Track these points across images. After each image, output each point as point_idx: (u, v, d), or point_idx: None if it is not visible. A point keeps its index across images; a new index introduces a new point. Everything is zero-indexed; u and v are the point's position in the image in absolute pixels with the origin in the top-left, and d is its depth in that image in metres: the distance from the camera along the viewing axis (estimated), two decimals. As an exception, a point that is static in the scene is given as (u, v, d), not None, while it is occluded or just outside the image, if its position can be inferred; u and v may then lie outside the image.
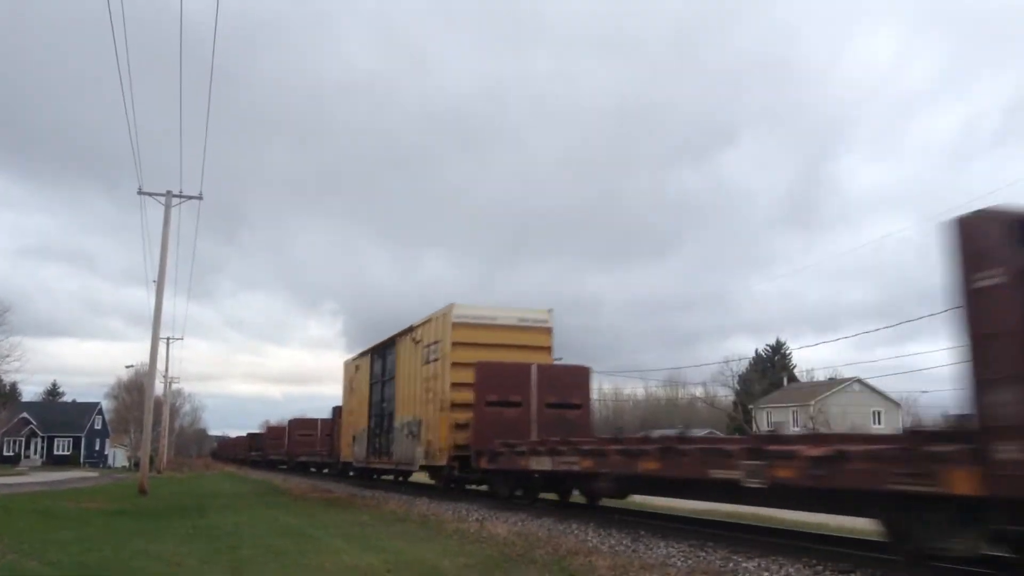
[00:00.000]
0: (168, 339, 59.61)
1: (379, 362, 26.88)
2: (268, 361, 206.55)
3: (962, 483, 6.69)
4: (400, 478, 29.05)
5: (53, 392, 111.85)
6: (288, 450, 52.17)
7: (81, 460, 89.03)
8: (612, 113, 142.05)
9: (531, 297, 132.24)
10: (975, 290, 6.59)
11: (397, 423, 23.59)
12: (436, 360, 20.09)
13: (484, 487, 19.47)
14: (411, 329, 22.66)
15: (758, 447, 9.55)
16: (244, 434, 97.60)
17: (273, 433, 63.64)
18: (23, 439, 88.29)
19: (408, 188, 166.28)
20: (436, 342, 20.25)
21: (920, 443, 7.30)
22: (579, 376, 19.40)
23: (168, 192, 28.96)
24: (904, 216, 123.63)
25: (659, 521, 13.74)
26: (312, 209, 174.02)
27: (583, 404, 18.90)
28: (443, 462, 19.35)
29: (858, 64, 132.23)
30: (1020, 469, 6.13)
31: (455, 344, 19.38)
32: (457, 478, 19.60)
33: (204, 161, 46.24)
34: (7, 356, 65.28)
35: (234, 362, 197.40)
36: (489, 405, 17.89)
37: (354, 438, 29.72)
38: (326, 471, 42.76)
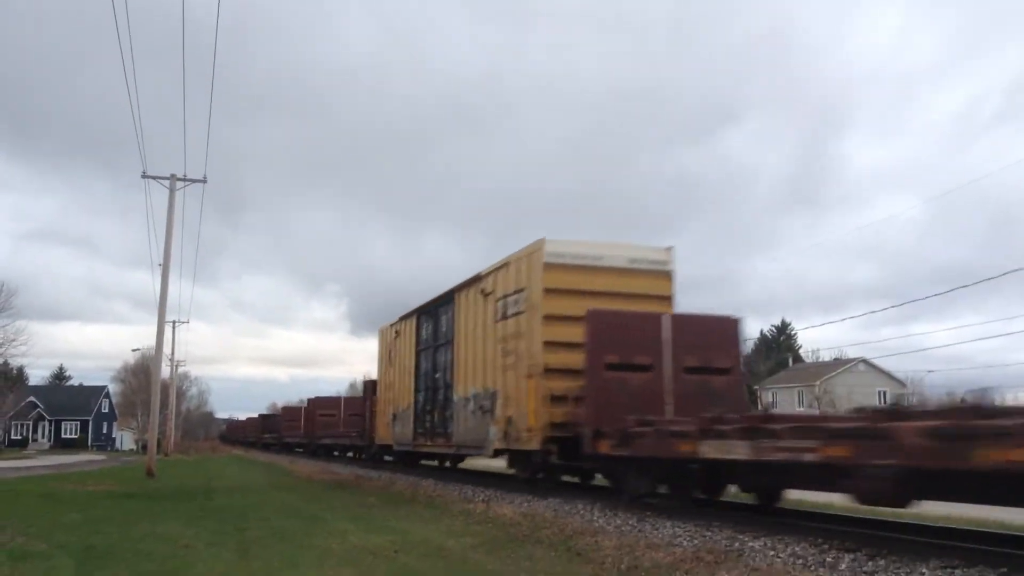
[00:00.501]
0: (174, 322, 59.81)
1: (428, 324, 22.14)
2: (273, 344, 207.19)
3: None
4: (447, 463, 25.38)
5: (60, 376, 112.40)
6: (308, 432, 48.26)
7: (89, 443, 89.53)
8: (612, 93, 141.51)
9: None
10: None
11: (458, 396, 19.01)
12: (519, 314, 15.59)
13: (590, 481, 16.68)
14: (478, 279, 18.05)
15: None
16: (255, 415, 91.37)
17: (289, 414, 59.06)
18: (30, 423, 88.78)
19: (408, 170, 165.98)
20: (518, 291, 15.76)
21: None
22: (726, 331, 14.58)
23: (172, 176, 28.93)
24: (908, 195, 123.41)
25: (665, 501, 13.74)
26: (313, 191, 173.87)
27: (732, 368, 14.39)
28: (533, 446, 14.64)
29: (860, 43, 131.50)
30: None
31: (548, 292, 14.82)
32: (553, 466, 15.15)
33: (208, 144, 46.18)
34: (13, 340, 65.51)
35: (239, 345, 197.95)
36: (610, 369, 13.49)
37: (395, 417, 24.95)
38: (352, 455, 38.94)
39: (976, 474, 6.92)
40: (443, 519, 12.54)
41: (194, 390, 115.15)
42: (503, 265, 16.73)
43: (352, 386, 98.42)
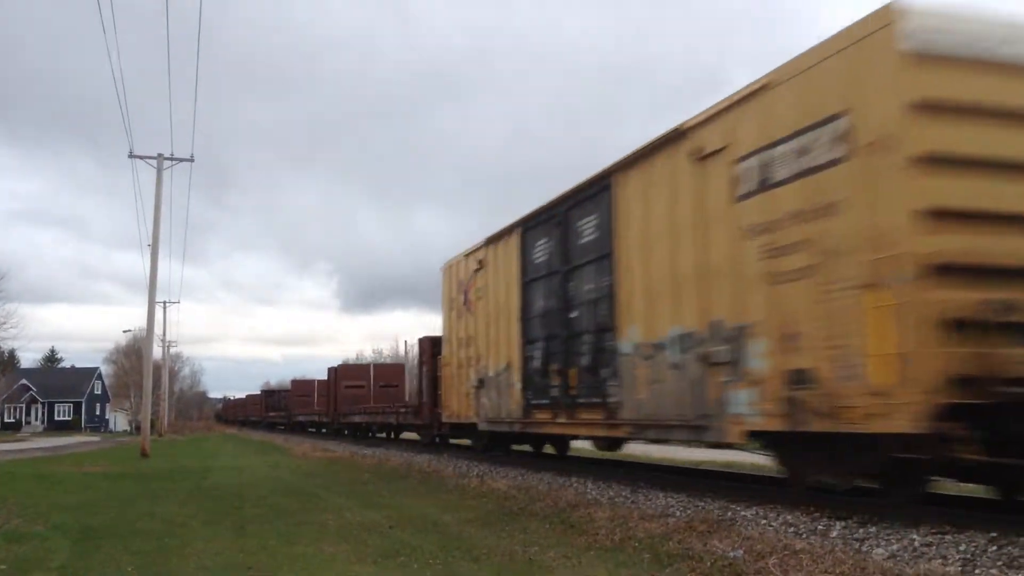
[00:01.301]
0: (165, 303, 59.69)
1: (546, 240, 14.66)
2: (265, 323, 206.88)
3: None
4: (558, 444, 18.96)
5: (52, 358, 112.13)
6: (329, 408, 39.34)
7: (82, 425, 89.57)
8: (600, 62, 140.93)
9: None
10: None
11: (630, 344, 11.66)
12: (823, 168, 8.11)
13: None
14: (677, 136, 10.65)
15: None
16: (255, 392, 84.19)
17: (301, 388, 51.19)
18: (23, 405, 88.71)
19: (396, 143, 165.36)
20: (820, 123, 8.19)
21: None
22: None
23: (159, 155, 28.80)
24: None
25: (658, 473, 13.85)
26: (300, 168, 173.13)
27: None
28: (901, 423, 7.16)
29: (848, 7, 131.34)
30: None
31: (922, 110, 7.39)
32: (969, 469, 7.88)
33: (195, 123, 46.07)
34: (3, 323, 65.26)
35: (231, 324, 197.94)
36: None
37: (481, 383, 17.44)
38: (385, 435, 32.83)
39: None
40: (438, 494, 12.61)
41: (187, 370, 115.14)
42: (755, 92, 9.15)
43: (347, 361, 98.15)
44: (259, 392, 76.37)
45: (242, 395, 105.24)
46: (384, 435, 32.79)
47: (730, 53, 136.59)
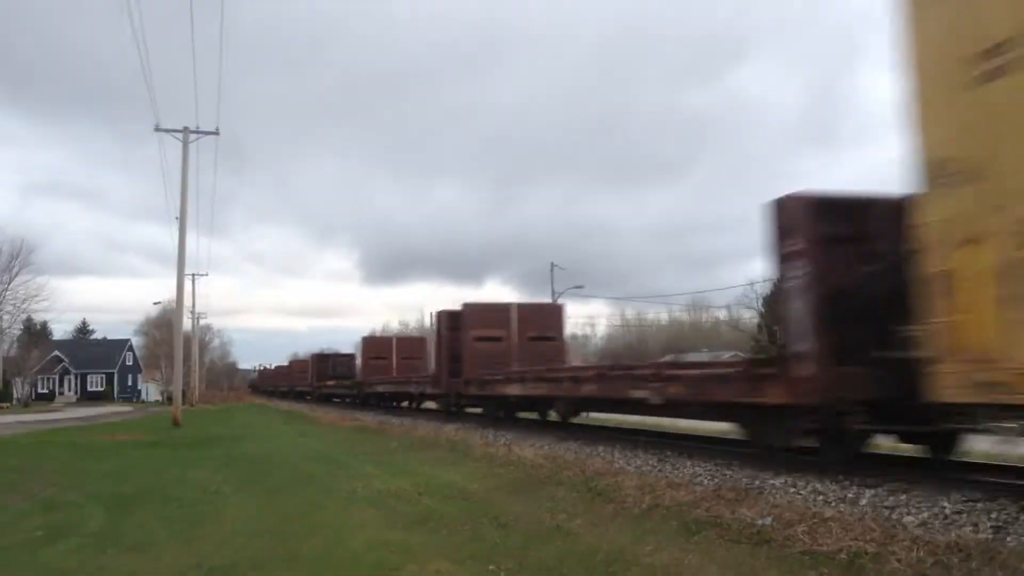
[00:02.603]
0: (193, 275, 60.16)
1: None
2: (290, 294, 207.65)
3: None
4: None
5: (83, 330, 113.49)
6: (445, 375, 23.34)
7: (114, 395, 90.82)
8: (617, 29, 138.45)
9: (544, 224, 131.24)
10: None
11: None
12: None
13: None
14: None
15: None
16: (296, 360, 73.22)
17: (375, 348, 39.76)
18: (56, 376, 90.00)
19: (411, 116, 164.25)
20: None
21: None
22: None
23: (185, 128, 28.91)
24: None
25: (685, 442, 13.83)
26: (318, 138, 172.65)
27: None
28: None
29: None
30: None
31: None
32: None
33: (220, 95, 46.19)
34: (35, 296, 66.19)
35: (256, 296, 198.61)
36: None
37: None
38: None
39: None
40: (465, 462, 12.67)
41: (216, 342, 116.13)
42: None
43: (373, 333, 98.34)
44: (308, 357, 63.73)
45: (271, 365, 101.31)
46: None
47: (748, 18, 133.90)
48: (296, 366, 66.63)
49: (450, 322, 23.05)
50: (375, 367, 37.40)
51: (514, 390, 18.48)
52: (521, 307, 23.23)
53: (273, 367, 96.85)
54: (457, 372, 22.32)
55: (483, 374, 20.70)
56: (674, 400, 11.61)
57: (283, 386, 72.10)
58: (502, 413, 20.19)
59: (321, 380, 49.24)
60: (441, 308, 23.91)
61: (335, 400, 47.33)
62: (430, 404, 29.04)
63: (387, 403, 34.27)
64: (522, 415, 19.93)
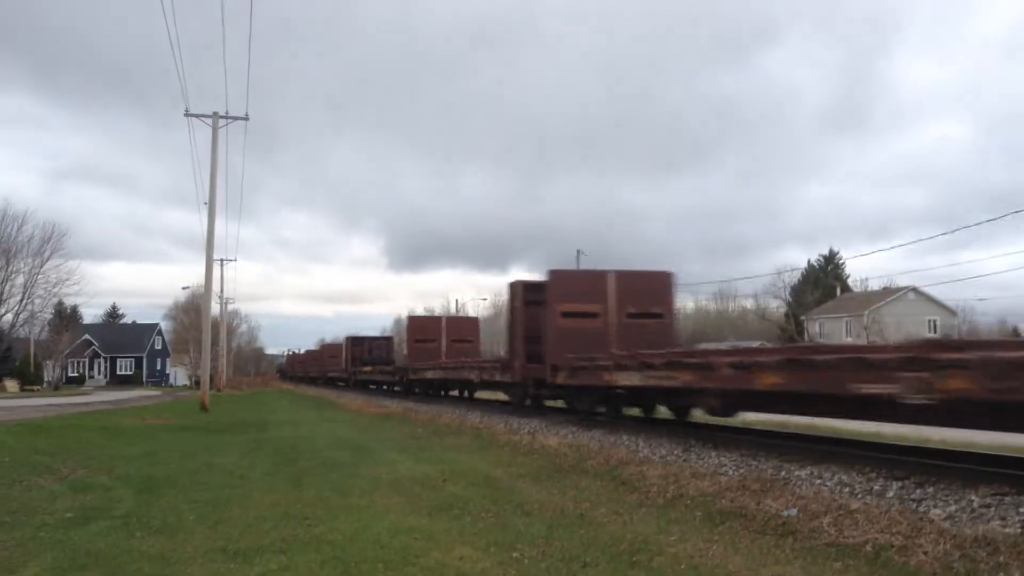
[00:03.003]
0: (222, 260, 60.61)
1: None
2: (315, 281, 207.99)
3: None
4: None
5: (113, 314, 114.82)
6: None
7: (143, 379, 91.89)
8: (645, 12, 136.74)
9: (570, 210, 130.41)
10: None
11: None
12: None
13: None
14: None
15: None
16: (338, 341, 65.84)
17: (422, 329, 34.95)
18: (87, 360, 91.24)
19: (438, 100, 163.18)
20: None
21: None
22: None
23: (215, 113, 29.10)
24: (961, 115, 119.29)
25: (710, 431, 13.77)
26: (344, 124, 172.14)
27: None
28: None
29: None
30: None
31: None
32: None
33: (248, 80, 46.41)
34: (66, 280, 67.08)
35: (282, 282, 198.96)
36: None
37: None
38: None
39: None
40: (490, 450, 12.71)
41: (244, 327, 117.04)
42: None
43: (398, 321, 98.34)
44: (341, 341, 58.47)
45: (300, 350, 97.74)
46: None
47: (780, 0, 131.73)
48: (328, 350, 62.07)
49: (528, 295, 19.11)
50: (422, 351, 32.73)
51: (630, 380, 14.21)
52: (620, 275, 18.38)
53: (303, 351, 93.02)
54: (537, 356, 18.44)
55: (574, 359, 16.53)
56: (955, 399, 7.30)
57: (313, 372, 68.96)
58: (604, 409, 16.58)
59: (357, 365, 45.89)
60: (517, 279, 20.15)
61: (371, 387, 44.44)
62: (484, 394, 26.03)
63: (435, 391, 30.79)
64: (632, 412, 16.38)
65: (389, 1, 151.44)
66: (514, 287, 19.93)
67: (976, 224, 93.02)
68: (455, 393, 29.61)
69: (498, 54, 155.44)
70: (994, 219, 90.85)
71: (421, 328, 34.99)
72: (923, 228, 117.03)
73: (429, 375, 29.17)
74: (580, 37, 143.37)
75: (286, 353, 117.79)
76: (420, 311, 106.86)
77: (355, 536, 6.34)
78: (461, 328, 34.49)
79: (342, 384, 51.88)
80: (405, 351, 37.59)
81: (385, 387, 41.06)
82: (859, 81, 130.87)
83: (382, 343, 49.83)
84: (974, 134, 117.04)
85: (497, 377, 21.38)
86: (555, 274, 18.50)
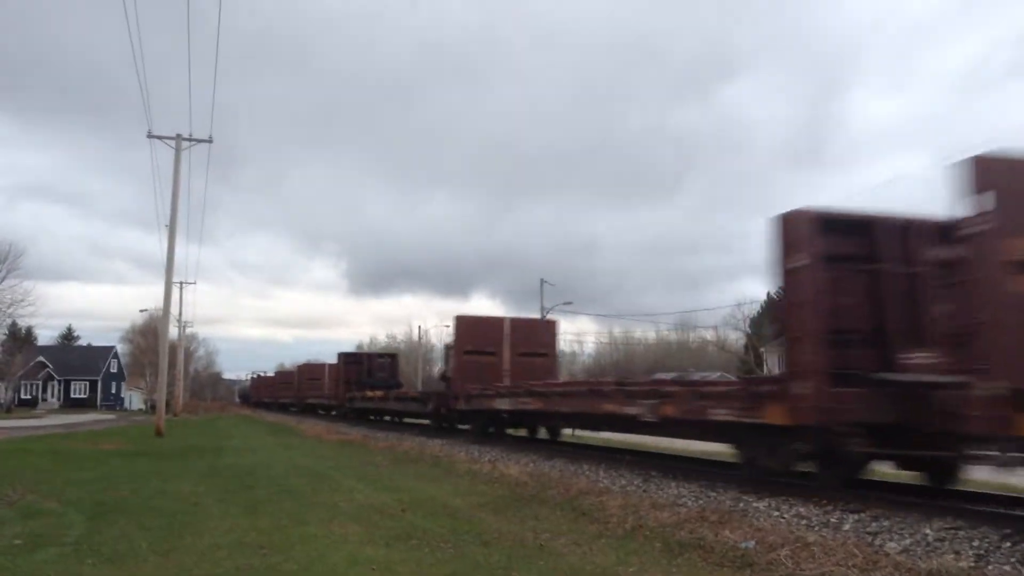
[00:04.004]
0: (181, 283, 59.88)
1: None
2: (275, 304, 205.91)
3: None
4: None
5: (68, 336, 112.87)
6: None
7: (98, 403, 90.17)
8: (611, 44, 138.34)
9: (533, 238, 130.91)
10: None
11: None
12: None
13: None
14: None
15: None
16: (318, 361, 53.90)
17: (475, 334, 23.16)
18: (40, 382, 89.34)
19: (405, 125, 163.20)
20: None
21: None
22: None
23: (178, 136, 28.85)
24: (917, 151, 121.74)
25: (669, 462, 13.82)
26: (308, 148, 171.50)
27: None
28: None
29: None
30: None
31: None
32: None
33: (214, 103, 46.09)
34: (21, 300, 65.82)
35: (241, 305, 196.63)
36: None
37: None
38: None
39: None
40: (449, 478, 12.63)
41: (202, 351, 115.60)
42: None
43: (361, 347, 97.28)
44: (322, 363, 49.72)
45: (266, 372, 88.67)
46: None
47: (744, 29, 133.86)
48: (307, 371, 52.16)
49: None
50: (473, 367, 22.45)
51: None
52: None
53: (273, 373, 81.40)
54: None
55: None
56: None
57: (286, 397, 59.64)
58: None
59: (354, 390, 37.23)
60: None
61: (374, 418, 35.61)
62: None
63: (501, 427, 20.93)
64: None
65: (354, 27, 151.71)
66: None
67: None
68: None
69: (464, 80, 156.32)
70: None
71: (474, 333, 23.20)
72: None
73: (496, 404, 19.63)
74: (545, 66, 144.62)
75: (249, 376, 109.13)
76: (382, 338, 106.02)
77: (311, 566, 6.26)
78: (532, 335, 24.01)
79: (331, 413, 43.93)
80: (443, 367, 27.88)
81: (394, 419, 33.76)
82: (817, 116, 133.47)
83: (385, 362, 41.90)
84: (928, 169, 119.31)
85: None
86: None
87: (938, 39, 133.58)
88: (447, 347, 23.56)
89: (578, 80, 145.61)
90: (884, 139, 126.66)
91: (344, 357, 41.79)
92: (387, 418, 34.67)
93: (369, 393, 34.65)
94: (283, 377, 68.12)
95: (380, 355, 44.21)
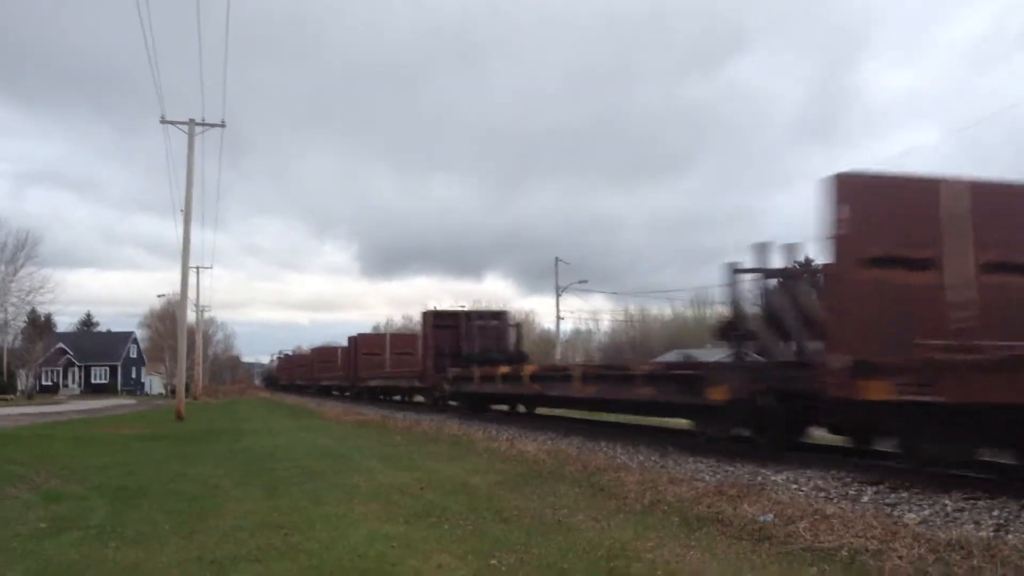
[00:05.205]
0: (198, 268, 60.15)
1: None
2: (290, 288, 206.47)
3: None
4: None
5: (88, 323, 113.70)
6: None
7: (118, 388, 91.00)
8: (617, 22, 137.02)
9: (544, 218, 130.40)
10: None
11: None
12: None
13: None
14: None
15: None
16: (368, 334, 46.24)
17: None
18: (61, 369, 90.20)
19: (410, 107, 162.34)
20: None
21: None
22: None
23: (191, 121, 28.91)
24: (930, 124, 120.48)
25: (687, 439, 13.82)
26: (316, 131, 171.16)
27: None
28: None
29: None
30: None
31: None
32: None
33: (225, 87, 46.04)
34: (40, 288, 66.39)
35: (257, 289, 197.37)
36: None
37: None
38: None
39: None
40: (468, 457, 12.68)
41: (220, 335, 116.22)
42: None
43: (376, 329, 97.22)
44: (383, 333, 42.67)
45: (290, 351, 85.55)
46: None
47: (751, 5, 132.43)
48: (363, 344, 38.85)
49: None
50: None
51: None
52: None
53: (309, 350, 69.88)
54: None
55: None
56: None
57: (325, 378, 49.20)
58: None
59: (453, 364, 24.95)
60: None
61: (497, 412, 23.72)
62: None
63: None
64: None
65: (359, 10, 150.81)
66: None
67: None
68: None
69: (468, 62, 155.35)
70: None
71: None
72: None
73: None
74: (551, 44, 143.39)
75: (275, 357, 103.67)
76: (398, 319, 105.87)
77: (332, 545, 6.31)
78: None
79: (403, 401, 33.58)
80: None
81: (519, 408, 23.17)
82: (829, 89, 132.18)
83: (494, 326, 26.94)
84: (942, 141, 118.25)
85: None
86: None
87: (951, 9, 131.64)
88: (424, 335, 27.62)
89: (580, 58, 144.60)
90: (898, 111, 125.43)
91: (434, 318, 27.39)
92: (521, 408, 22.94)
93: (475, 370, 22.55)
94: (321, 355, 54.10)
95: (484, 313, 28.29)
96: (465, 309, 30.10)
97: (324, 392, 50.89)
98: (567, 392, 16.17)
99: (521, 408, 22.93)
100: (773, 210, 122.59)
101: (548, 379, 17.44)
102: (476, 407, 23.67)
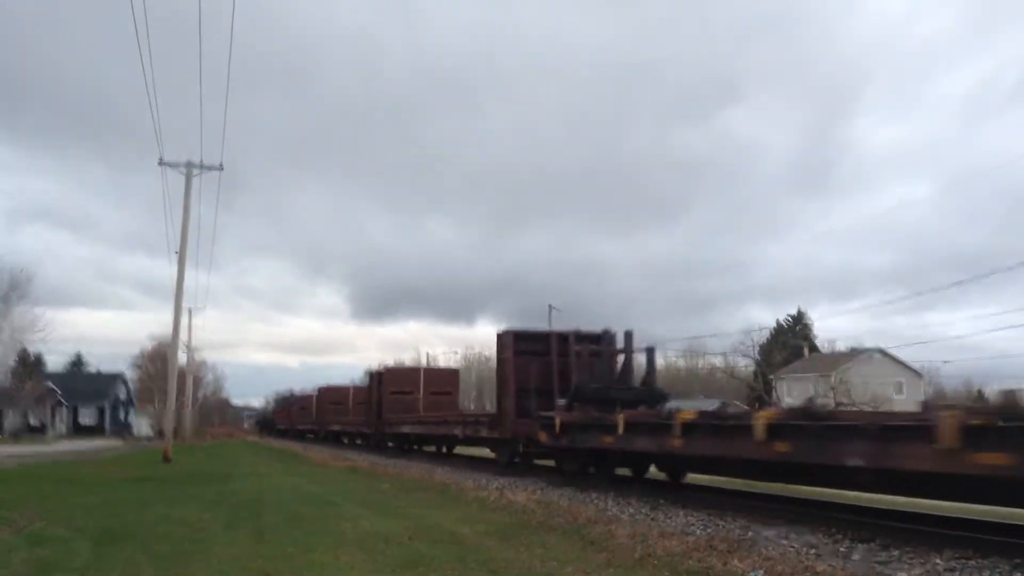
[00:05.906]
0: (190, 309, 60.05)
1: None
2: (281, 330, 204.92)
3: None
4: None
5: (78, 363, 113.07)
6: None
7: (106, 429, 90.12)
8: (611, 68, 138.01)
9: (536, 262, 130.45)
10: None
11: None
12: None
13: None
14: None
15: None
16: (400, 366, 46.33)
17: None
18: (49, 409, 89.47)
19: (405, 148, 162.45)
20: None
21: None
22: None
23: (188, 163, 29.11)
24: (921, 177, 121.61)
25: (678, 491, 13.75)
26: (308, 172, 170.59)
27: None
28: None
29: (871, 15, 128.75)
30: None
31: None
32: None
33: (225, 131, 46.33)
34: (31, 326, 66.08)
35: (248, 331, 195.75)
36: None
37: None
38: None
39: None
40: (457, 506, 12.59)
41: (210, 376, 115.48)
42: None
43: (368, 373, 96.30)
44: (415, 366, 39.81)
45: (296, 391, 79.84)
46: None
47: (745, 56, 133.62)
48: (392, 378, 32.21)
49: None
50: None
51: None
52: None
53: (315, 390, 58.53)
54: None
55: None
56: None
57: (335, 422, 43.23)
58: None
59: (538, 407, 16.98)
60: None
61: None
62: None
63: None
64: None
65: (353, 51, 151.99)
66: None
67: (945, 287, 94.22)
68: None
69: (462, 105, 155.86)
70: (960, 282, 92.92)
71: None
72: (888, 288, 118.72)
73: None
74: (544, 89, 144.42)
75: (271, 400, 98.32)
76: (390, 363, 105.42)
77: (318, 593, 6.24)
78: None
79: (485, 464, 22.11)
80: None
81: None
82: (821, 141, 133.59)
83: (605, 352, 18.11)
84: (934, 196, 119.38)
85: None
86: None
87: (944, 64, 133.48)
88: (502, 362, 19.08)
89: (575, 103, 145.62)
90: (890, 164, 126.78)
91: (515, 340, 18.97)
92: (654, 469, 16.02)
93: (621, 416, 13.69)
94: (328, 395, 46.41)
95: (585, 336, 18.99)
96: (555, 330, 20.87)
97: (334, 439, 44.02)
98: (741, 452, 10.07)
99: (654, 470, 15.84)
100: (765, 261, 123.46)
101: (714, 432, 10.81)
102: (600, 470, 15.57)
